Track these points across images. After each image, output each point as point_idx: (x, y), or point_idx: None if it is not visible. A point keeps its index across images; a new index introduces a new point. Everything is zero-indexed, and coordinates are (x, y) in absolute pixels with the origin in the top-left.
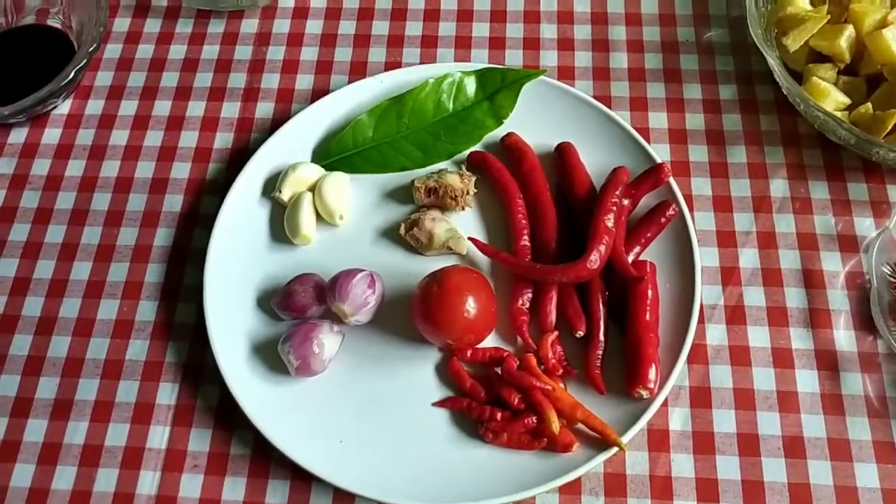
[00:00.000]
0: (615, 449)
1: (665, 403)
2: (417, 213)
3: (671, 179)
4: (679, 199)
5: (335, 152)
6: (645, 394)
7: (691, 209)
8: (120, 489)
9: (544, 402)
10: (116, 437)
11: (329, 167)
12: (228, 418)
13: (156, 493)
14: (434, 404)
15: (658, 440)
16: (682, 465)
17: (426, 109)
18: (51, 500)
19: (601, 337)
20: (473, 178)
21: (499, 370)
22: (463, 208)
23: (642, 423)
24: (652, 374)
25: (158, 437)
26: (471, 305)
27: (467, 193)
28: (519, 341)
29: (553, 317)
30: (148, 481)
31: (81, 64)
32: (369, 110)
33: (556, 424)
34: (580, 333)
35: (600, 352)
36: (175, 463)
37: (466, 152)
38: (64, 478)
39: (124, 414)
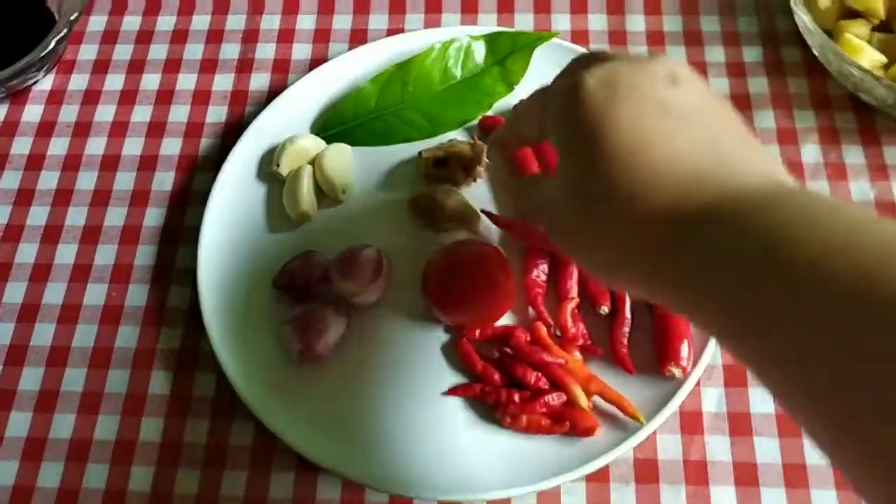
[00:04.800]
0: (644, 433)
1: (697, 383)
2: (426, 186)
3: None
4: None
5: (335, 123)
6: (677, 372)
7: None
8: (111, 486)
9: (566, 377)
10: (106, 430)
11: (329, 139)
12: (227, 408)
13: (149, 490)
14: (445, 393)
15: (691, 422)
16: (718, 448)
17: (432, 76)
18: (36, 498)
19: (627, 313)
20: (485, 147)
21: (508, 349)
22: (475, 179)
23: (675, 404)
24: (684, 350)
25: (152, 429)
26: (488, 282)
27: (479, 164)
28: (532, 314)
29: (574, 292)
30: (141, 477)
31: (62, 34)
32: (372, 78)
33: (583, 399)
34: (605, 310)
35: (627, 329)
36: (170, 457)
37: (475, 120)
38: (50, 474)
39: (115, 405)
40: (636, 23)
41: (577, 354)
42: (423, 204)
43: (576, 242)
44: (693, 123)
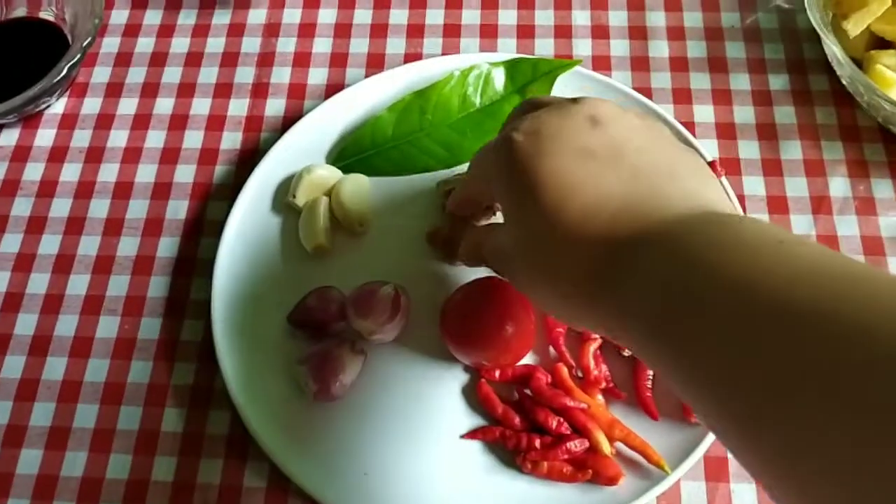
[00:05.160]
0: (668, 481)
1: None
2: (444, 218)
3: (723, 179)
4: (733, 201)
5: (352, 152)
6: None
7: (744, 211)
8: None
9: (589, 423)
10: (119, 469)
11: (346, 169)
12: (241, 448)
13: None
14: (464, 436)
15: (716, 469)
16: (744, 496)
17: (451, 104)
18: None
19: None
20: None
21: (528, 391)
22: (494, 213)
23: (700, 451)
24: None
25: (164, 468)
26: (508, 321)
27: None
28: (553, 354)
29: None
30: None
31: (75, 59)
32: (389, 106)
33: (606, 446)
34: (628, 351)
35: (651, 371)
36: (183, 498)
37: None
38: None
39: (126, 443)
40: (659, 48)
41: (600, 398)
42: (440, 237)
43: (523, 283)
44: (615, 162)
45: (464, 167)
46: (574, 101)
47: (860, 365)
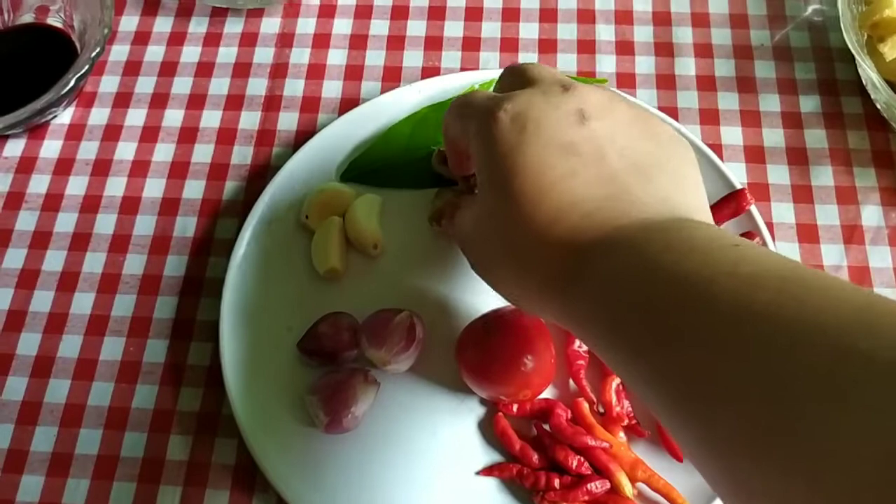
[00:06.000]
0: None
1: None
2: (436, 197)
3: (752, 207)
4: (762, 229)
5: (365, 164)
6: None
7: (773, 239)
8: None
9: (611, 463)
10: (122, 497)
11: (357, 180)
12: (248, 478)
13: None
14: (480, 472)
15: None
16: None
17: None
18: None
19: None
20: None
21: (547, 426)
22: (473, 189)
23: None
24: None
25: (169, 498)
26: (527, 355)
27: None
28: (573, 387)
29: None
30: None
31: (83, 71)
32: (405, 118)
33: (628, 488)
34: None
35: None
36: None
37: None
38: None
39: (130, 471)
40: (686, 66)
41: (622, 435)
42: (436, 214)
43: (484, 268)
44: (596, 162)
45: None
46: (564, 87)
47: (822, 364)
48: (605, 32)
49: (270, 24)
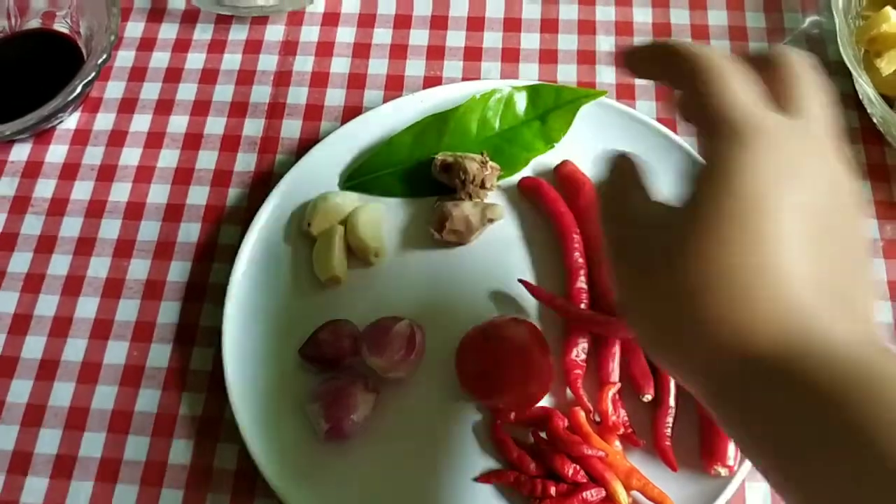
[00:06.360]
0: None
1: (742, 481)
2: (437, 205)
3: None
4: None
5: (367, 171)
6: (724, 471)
7: None
8: None
9: (606, 472)
10: (124, 500)
11: (359, 187)
12: (249, 483)
13: None
14: (477, 479)
15: None
16: None
17: (470, 128)
18: None
19: (671, 402)
20: (497, 172)
21: (544, 434)
22: (471, 197)
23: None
24: (731, 448)
25: (171, 502)
26: (525, 365)
27: (482, 185)
28: (570, 396)
29: (616, 376)
30: None
31: (90, 77)
32: (407, 127)
33: (623, 497)
34: (648, 397)
35: (671, 419)
36: None
37: (515, 178)
38: None
39: (133, 474)
40: None
41: (618, 444)
42: (446, 226)
43: (643, 333)
44: (818, 251)
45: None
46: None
47: None
48: (605, 43)
49: (274, 32)
